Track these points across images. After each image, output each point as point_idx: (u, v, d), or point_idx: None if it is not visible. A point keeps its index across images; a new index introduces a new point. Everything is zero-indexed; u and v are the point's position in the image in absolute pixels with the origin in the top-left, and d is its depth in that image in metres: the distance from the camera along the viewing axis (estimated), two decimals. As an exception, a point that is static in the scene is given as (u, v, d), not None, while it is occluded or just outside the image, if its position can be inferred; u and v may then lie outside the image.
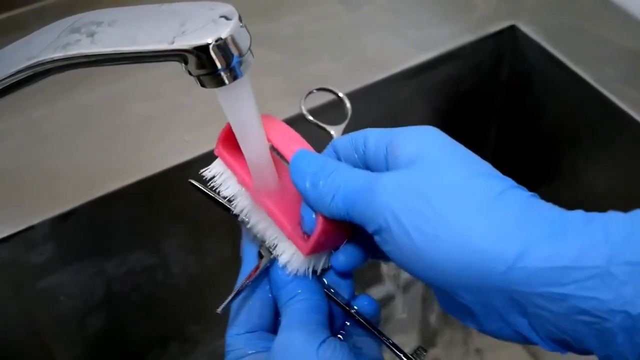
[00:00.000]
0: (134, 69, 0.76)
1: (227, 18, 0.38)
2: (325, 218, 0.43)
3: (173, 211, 0.72)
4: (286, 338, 0.43)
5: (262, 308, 0.47)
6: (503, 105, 0.87)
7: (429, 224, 0.36)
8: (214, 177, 0.48)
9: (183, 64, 0.39)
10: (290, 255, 0.46)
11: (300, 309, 0.45)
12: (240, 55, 0.38)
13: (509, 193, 0.37)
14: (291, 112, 0.71)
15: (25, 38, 0.43)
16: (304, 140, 0.45)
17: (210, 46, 0.37)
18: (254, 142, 0.43)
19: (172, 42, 0.37)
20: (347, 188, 0.40)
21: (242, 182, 0.47)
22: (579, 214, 0.36)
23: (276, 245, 0.47)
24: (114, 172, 0.67)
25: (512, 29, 0.82)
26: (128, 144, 0.70)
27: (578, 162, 0.81)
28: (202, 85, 0.40)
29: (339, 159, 0.45)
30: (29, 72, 0.41)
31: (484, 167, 0.39)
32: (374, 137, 0.43)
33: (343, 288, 0.48)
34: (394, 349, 0.45)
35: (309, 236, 0.45)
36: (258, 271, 0.47)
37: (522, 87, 0.85)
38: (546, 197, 0.38)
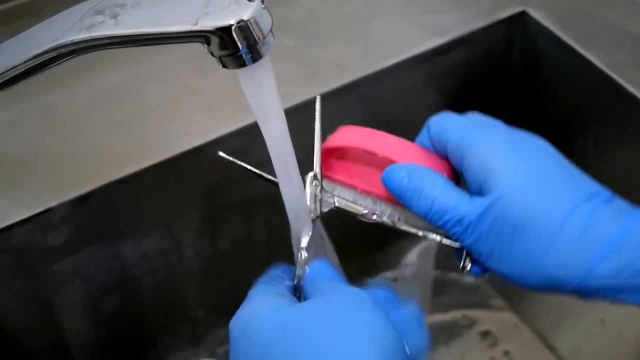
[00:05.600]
0: (148, 53, 0.77)
1: (249, -1, 0.38)
2: None
3: (188, 194, 0.73)
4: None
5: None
6: (513, 91, 0.88)
7: (509, 256, 0.46)
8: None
9: (205, 45, 0.39)
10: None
11: None
12: (262, 36, 0.39)
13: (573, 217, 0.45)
14: (304, 97, 0.71)
15: (47, 20, 0.43)
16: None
17: (233, 27, 0.38)
18: (275, 124, 0.43)
19: (196, 24, 0.38)
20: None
21: (369, 191, 0.51)
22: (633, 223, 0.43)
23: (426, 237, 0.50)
24: (129, 156, 0.68)
25: (523, 14, 0.82)
26: (143, 127, 0.70)
27: (589, 147, 0.82)
28: (224, 66, 0.40)
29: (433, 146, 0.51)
30: (53, 54, 0.42)
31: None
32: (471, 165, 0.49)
33: None
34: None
35: None
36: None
37: (532, 72, 0.85)
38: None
